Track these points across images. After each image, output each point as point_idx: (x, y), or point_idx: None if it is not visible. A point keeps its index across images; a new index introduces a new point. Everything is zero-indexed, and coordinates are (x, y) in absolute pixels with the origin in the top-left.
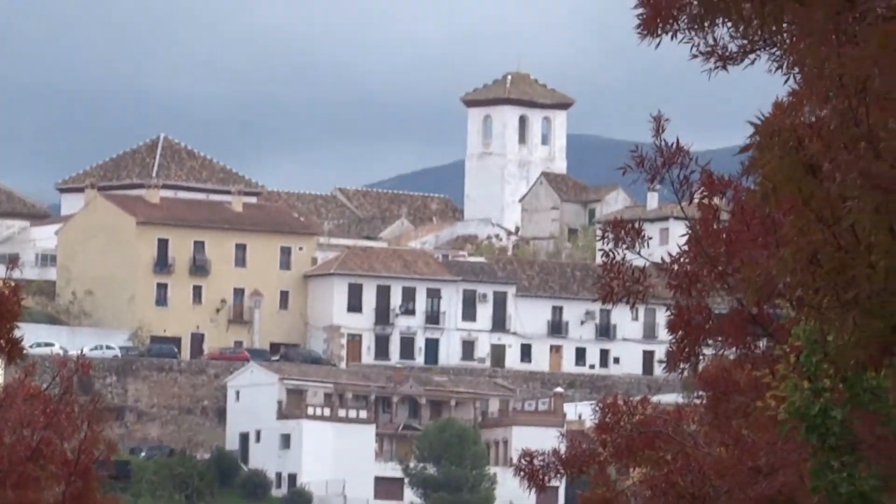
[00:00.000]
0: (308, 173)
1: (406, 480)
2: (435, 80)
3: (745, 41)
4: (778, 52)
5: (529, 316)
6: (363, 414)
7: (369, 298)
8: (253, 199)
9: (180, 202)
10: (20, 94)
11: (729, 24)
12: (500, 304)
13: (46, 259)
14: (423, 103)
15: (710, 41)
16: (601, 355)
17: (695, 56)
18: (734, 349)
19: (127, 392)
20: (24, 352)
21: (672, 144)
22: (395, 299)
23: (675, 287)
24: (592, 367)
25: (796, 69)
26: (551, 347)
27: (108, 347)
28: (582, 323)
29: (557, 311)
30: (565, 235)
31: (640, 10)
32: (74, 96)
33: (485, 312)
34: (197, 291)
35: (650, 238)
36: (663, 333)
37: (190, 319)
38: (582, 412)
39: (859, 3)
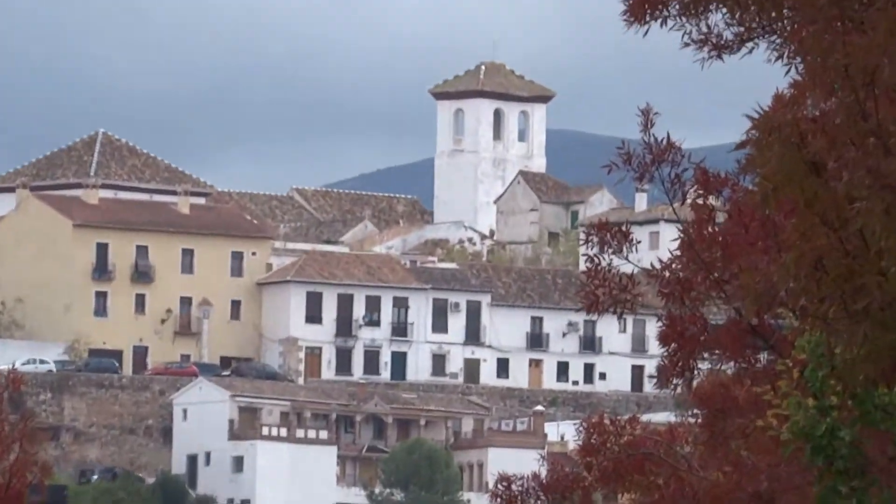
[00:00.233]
0: (262, 172)
1: None
2: (401, 70)
3: (742, 28)
4: (778, 40)
5: (506, 327)
6: (323, 434)
7: (330, 308)
8: (201, 200)
9: (121, 203)
10: None
11: (724, 10)
12: (473, 314)
13: None
14: (389, 96)
15: (704, 28)
16: (585, 370)
17: (687, 44)
18: (732, 363)
19: (63, 410)
20: None
21: (662, 140)
22: (359, 309)
23: (667, 295)
24: (576, 383)
25: (798, 59)
26: (530, 362)
27: (42, 361)
28: (564, 335)
29: (537, 322)
30: (545, 240)
31: None
32: (3, 88)
33: (457, 323)
34: (140, 300)
35: (639, 242)
36: (654, 346)
37: (132, 331)
38: (564, 432)
39: None
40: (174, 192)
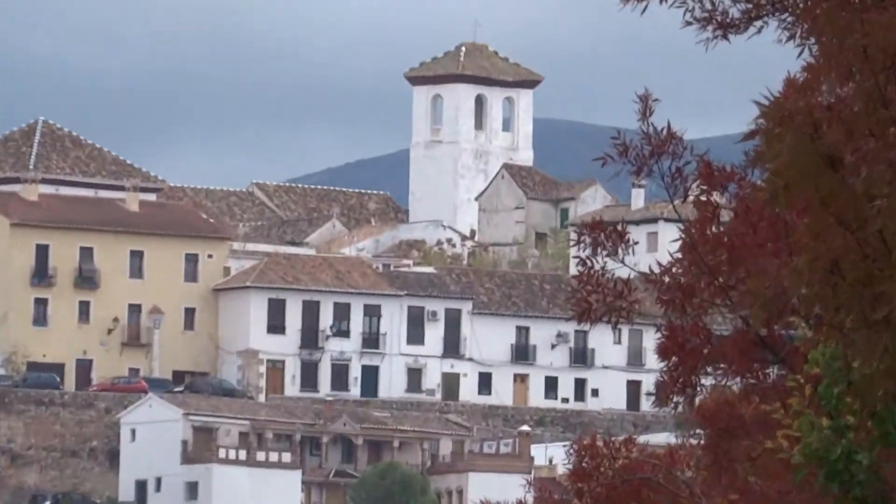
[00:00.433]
0: (219, 165)
1: None
2: (372, 52)
3: (750, 5)
4: (789, 18)
5: (489, 338)
6: (286, 457)
7: (294, 317)
8: (152, 197)
9: (63, 200)
10: None
11: None
12: (453, 323)
13: None
14: (359, 81)
15: (708, 5)
16: (576, 386)
17: (689, 23)
18: (738, 378)
19: None
20: None
21: (662, 130)
22: (326, 318)
23: (667, 303)
24: (566, 400)
25: (812, 39)
26: (515, 377)
27: None
28: (553, 347)
29: (523, 332)
30: (532, 241)
31: None
32: None
33: (434, 334)
34: (84, 308)
35: (636, 243)
36: (652, 359)
37: (75, 342)
38: (553, 455)
39: None
40: (122, 188)
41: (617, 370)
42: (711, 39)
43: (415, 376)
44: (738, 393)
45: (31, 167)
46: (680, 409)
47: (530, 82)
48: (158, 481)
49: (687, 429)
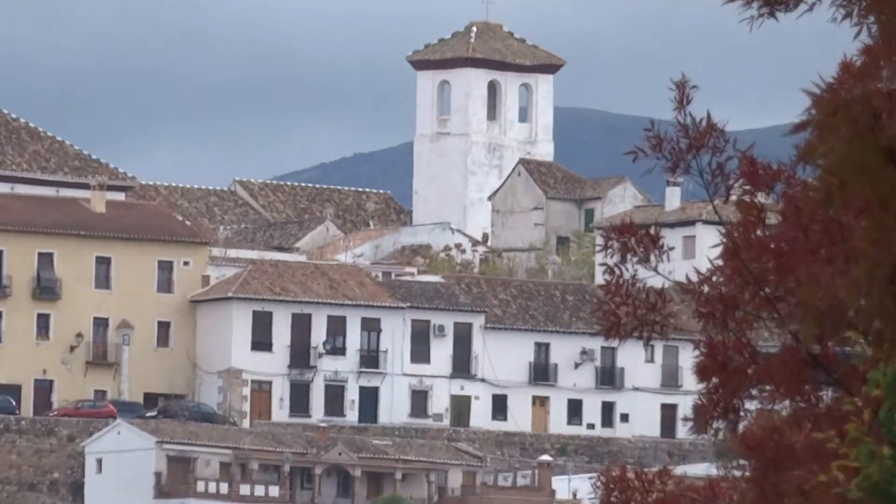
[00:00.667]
0: (197, 160)
1: None
2: (373, 34)
3: None
4: None
5: (503, 356)
6: (274, 491)
7: (282, 332)
8: (120, 196)
9: (19, 200)
10: None
11: None
12: (462, 339)
13: None
14: (357, 66)
15: None
16: (603, 410)
17: None
18: (787, 402)
19: None
20: None
21: (701, 121)
22: (318, 333)
23: (706, 316)
24: (591, 426)
25: (870, 17)
26: (534, 399)
27: None
28: (576, 366)
29: (542, 349)
30: (552, 246)
31: None
32: None
33: (442, 351)
34: (43, 322)
35: (671, 248)
36: (689, 380)
37: (33, 361)
38: (577, 488)
39: None
40: (86, 186)
41: (649, 392)
42: (756, 18)
43: (419, 399)
44: (787, 418)
45: None
46: (721, 436)
47: (550, 67)
48: None
49: (729, 459)
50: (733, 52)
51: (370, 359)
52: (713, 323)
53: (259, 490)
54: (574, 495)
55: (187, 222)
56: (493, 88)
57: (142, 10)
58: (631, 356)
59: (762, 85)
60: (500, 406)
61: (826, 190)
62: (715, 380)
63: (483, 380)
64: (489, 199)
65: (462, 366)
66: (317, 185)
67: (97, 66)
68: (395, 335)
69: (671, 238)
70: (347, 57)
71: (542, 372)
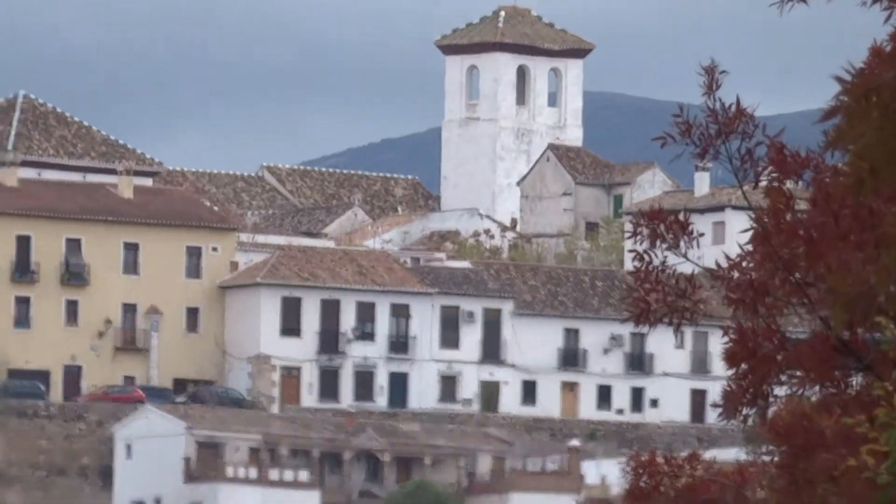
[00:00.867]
0: (225, 146)
1: None
2: (400, 18)
3: None
4: None
5: (533, 342)
6: (303, 476)
7: (311, 318)
8: (148, 181)
9: (46, 185)
10: None
11: None
12: (491, 325)
13: None
14: (384, 50)
15: None
16: (633, 396)
17: None
18: (817, 388)
19: None
20: None
21: (731, 106)
22: (347, 319)
23: (736, 302)
24: (620, 411)
25: None
26: (563, 385)
27: None
28: (606, 352)
29: (571, 335)
30: (581, 231)
31: None
32: None
33: (471, 337)
34: (71, 308)
35: (701, 234)
36: (719, 366)
37: (62, 347)
38: (606, 474)
39: None
40: (114, 172)
41: (679, 378)
42: (787, 2)
43: (449, 385)
44: (816, 404)
45: (10, 148)
46: (750, 422)
47: (579, 51)
48: (158, 503)
49: (759, 444)
50: (763, 36)
51: (399, 344)
52: (743, 309)
53: (288, 475)
54: (603, 480)
55: (215, 208)
56: (521, 73)
57: None
58: (660, 342)
59: (792, 69)
60: (529, 391)
61: (856, 175)
62: (744, 366)
63: (512, 365)
64: (518, 184)
65: (491, 352)
66: (345, 171)
67: (126, 50)
68: (424, 321)
69: (700, 224)
70: (376, 42)
71: (571, 358)
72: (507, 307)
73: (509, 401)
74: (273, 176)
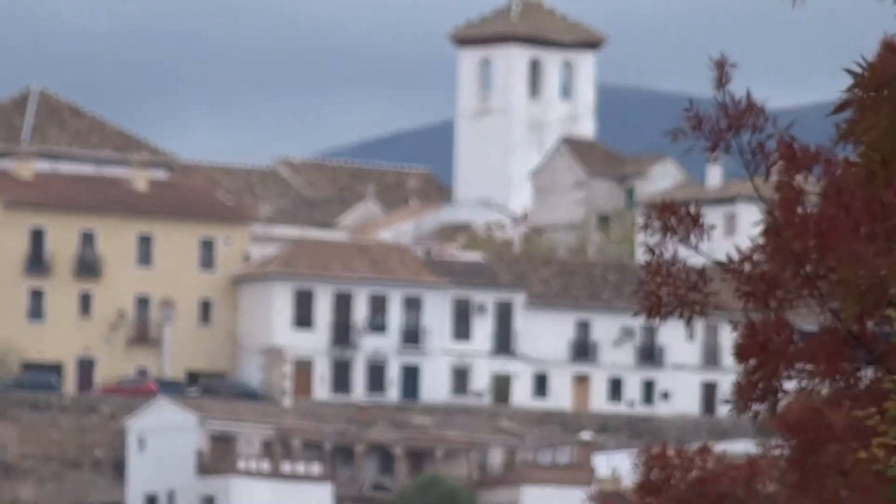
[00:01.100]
0: (238, 138)
1: None
2: (413, 9)
3: None
4: None
5: (544, 334)
6: (315, 469)
7: (323, 310)
8: (162, 174)
9: (61, 177)
10: None
11: None
12: (503, 317)
13: None
14: (398, 42)
15: None
16: (644, 388)
17: None
18: (827, 381)
19: None
20: None
21: (741, 100)
22: (360, 311)
23: (747, 295)
24: (632, 404)
25: None
26: (575, 377)
27: None
28: (617, 344)
29: (583, 327)
30: (594, 223)
31: None
32: None
33: (483, 329)
34: (85, 300)
35: (712, 227)
36: (729, 359)
37: (75, 339)
38: (617, 466)
39: None
40: (128, 164)
41: (690, 370)
42: None
43: (461, 377)
44: (826, 397)
45: (25, 141)
46: (761, 415)
47: (592, 44)
48: (170, 496)
49: (769, 437)
50: (774, 28)
51: (411, 336)
52: (754, 302)
53: (300, 468)
54: (614, 473)
55: (229, 200)
56: (534, 66)
57: None
58: (671, 334)
59: (803, 61)
60: (540, 384)
61: (868, 167)
62: (754, 360)
63: (524, 358)
64: (530, 177)
65: (503, 344)
66: (358, 163)
67: (140, 42)
68: (437, 313)
69: (712, 216)
70: (389, 34)
71: (582, 350)
72: (519, 299)
73: (521, 393)
74: (287, 168)
